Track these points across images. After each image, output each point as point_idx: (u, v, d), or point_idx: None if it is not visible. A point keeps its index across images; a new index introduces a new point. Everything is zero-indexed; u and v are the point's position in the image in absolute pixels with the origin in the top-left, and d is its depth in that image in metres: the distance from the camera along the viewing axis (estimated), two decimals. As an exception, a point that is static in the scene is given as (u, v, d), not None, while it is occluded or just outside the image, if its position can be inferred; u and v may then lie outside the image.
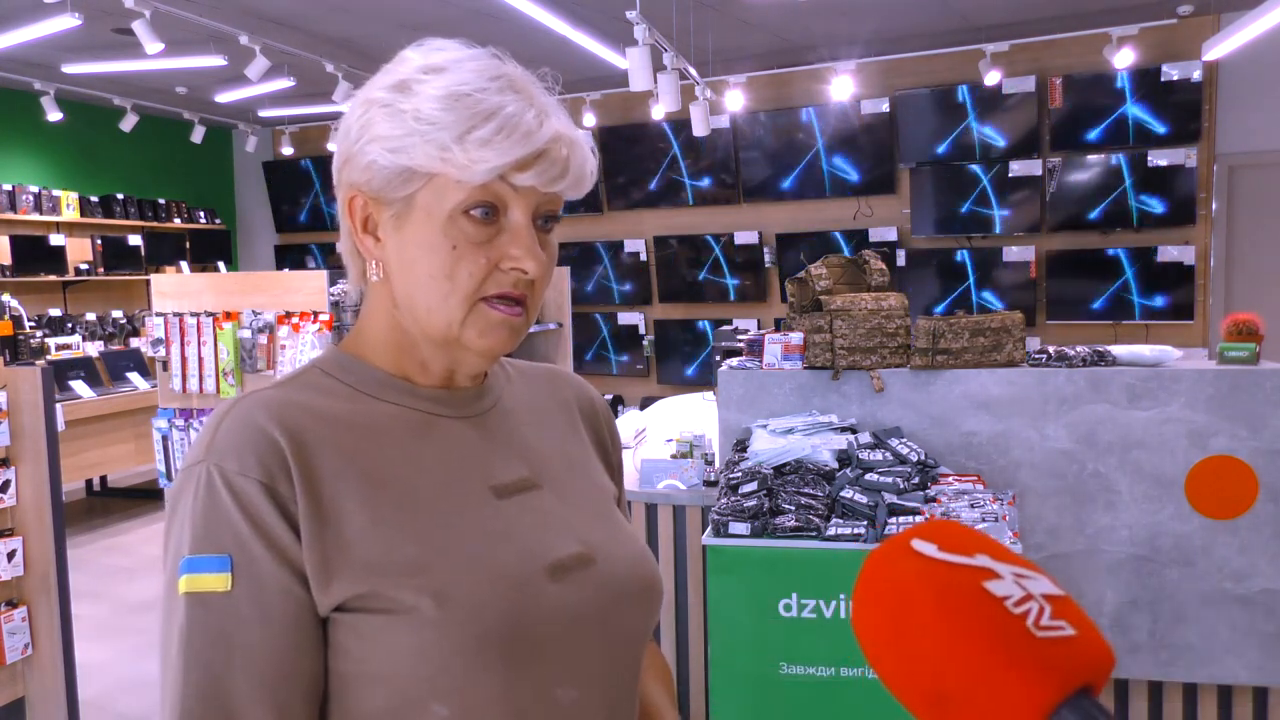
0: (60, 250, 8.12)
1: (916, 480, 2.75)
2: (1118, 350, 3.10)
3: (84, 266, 8.35)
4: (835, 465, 2.85)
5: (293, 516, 0.81)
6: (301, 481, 0.82)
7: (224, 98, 8.00)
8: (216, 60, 6.48)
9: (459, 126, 0.82)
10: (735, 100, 6.94)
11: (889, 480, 2.72)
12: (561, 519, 0.93)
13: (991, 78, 6.63)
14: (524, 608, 0.84)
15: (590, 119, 7.89)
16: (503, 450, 0.94)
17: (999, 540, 0.55)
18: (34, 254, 7.94)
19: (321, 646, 0.82)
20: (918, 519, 2.55)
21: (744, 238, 7.80)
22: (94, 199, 8.67)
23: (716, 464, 3.41)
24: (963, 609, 0.47)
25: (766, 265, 7.81)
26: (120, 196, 8.90)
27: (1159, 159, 6.53)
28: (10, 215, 7.86)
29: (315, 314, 4.32)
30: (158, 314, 4.74)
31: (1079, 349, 3.13)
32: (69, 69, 7.17)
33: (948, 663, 0.46)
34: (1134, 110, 6.58)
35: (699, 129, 6.35)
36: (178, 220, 9.45)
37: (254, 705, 0.78)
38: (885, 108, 7.25)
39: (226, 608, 0.79)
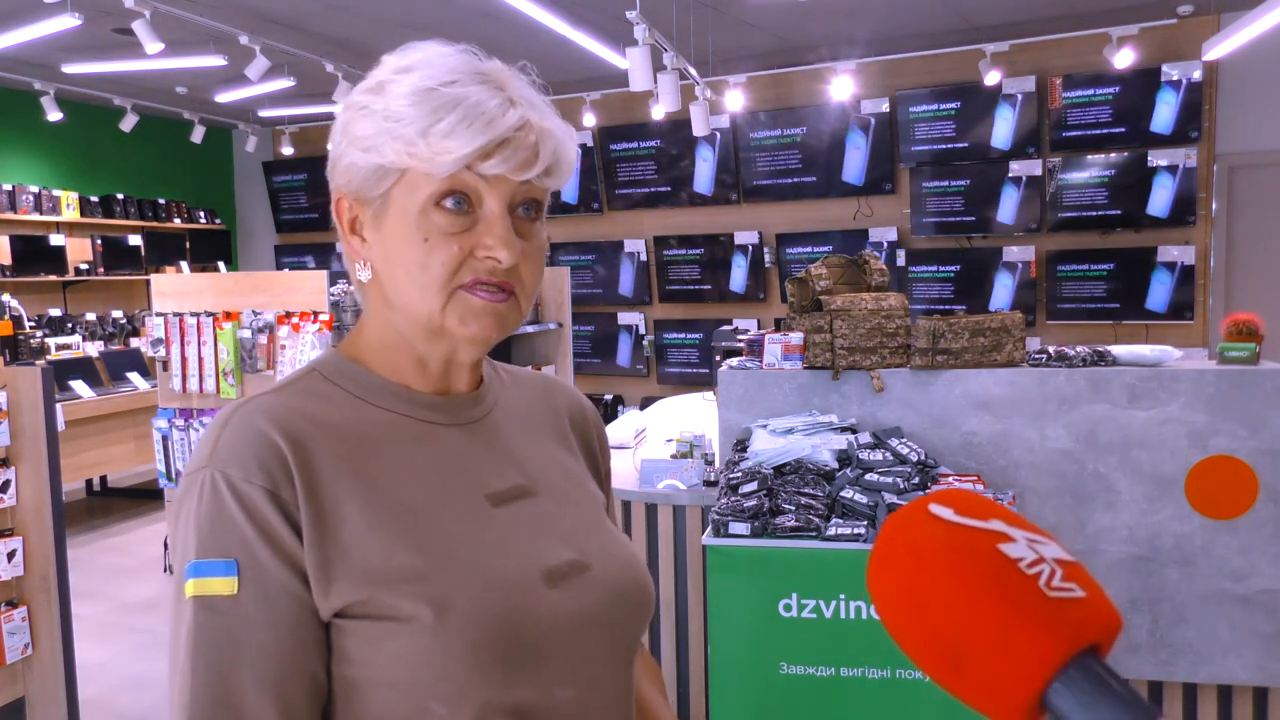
0: (60, 250, 8.12)
1: (916, 480, 2.75)
2: (1118, 350, 3.10)
3: (84, 266, 8.35)
4: (835, 465, 2.85)
5: (296, 521, 0.82)
6: (303, 487, 0.83)
7: (224, 98, 7.99)
8: (216, 60, 6.47)
9: (423, 120, 0.84)
10: (735, 100, 6.94)
11: (889, 480, 2.72)
12: (556, 526, 0.94)
13: (991, 78, 6.63)
14: (521, 614, 0.85)
15: (590, 119, 7.89)
16: (497, 458, 0.95)
17: (1013, 510, 0.57)
18: (34, 254, 7.94)
19: (325, 649, 0.83)
20: (918, 519, 2.55)
21: (744, 238, 7.80)
22: (94, 199, 8.67)
23: (716, 464, 3.41)
24: (977, 569, 0.49)
25: (766, 265, 7.82)
26: (120, 196, 8.90)
27: (1159, 159, 6.53)
28: (10, 215, 7.86)
29: (315, 314, 4.32)
30: (158, 314, 4.74)
31: (1079, 349, 3.13)
32: (69, 69, 7.17)
33: (961, 621, 0.48)
34: (1134, 110, 6.58)
35: (699, 129, 6.34)
36: (178, 220, 9.45)
37: (262, 706, 0.79)
38: (885, 108, 7.26)
39: (233, 611, 0.80)
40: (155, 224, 9.18)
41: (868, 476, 2.75)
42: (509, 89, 0.87)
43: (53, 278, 8.07)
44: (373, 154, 0.86)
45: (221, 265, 9.67)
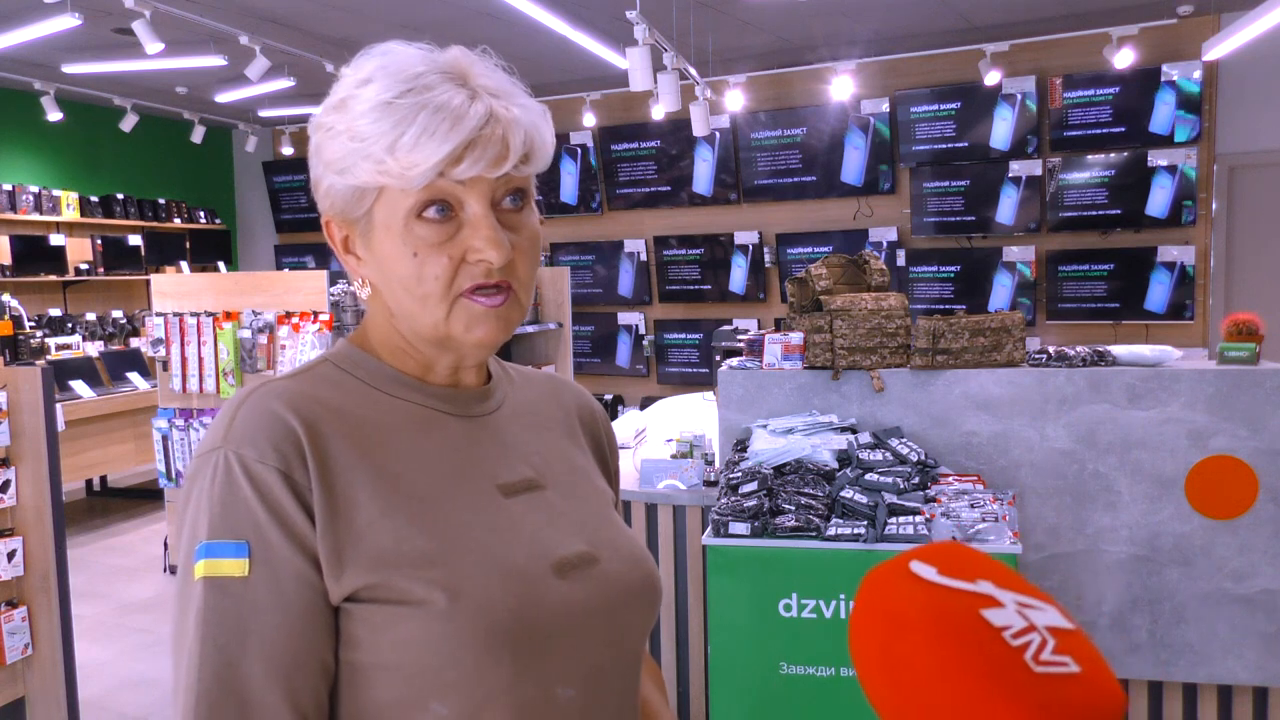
0: (60, 250, 8.12)
1: (916, 480, 2.75)
2: (1118, 350, 3.10)
3: (84, 266, 8.35)
4: (835, 465, 2.85)
5: (308, 504, 0.82)
6: (317, 470, 0.83)
7: (224, 98, 7.99)
8: (216, 60, 6.47)
9: (388, 136, 0.83)
10: (735, 100, 6.94)
11: (889, 480, 2.72)
12: (566, 518, 0.94)
13: (991, 78, 6.63)
14: (532, 604, 0.85)
15: (590, 119, 7.89)
16: (507, 451, 0.96)
17: (1009, 567, 0.50)
18: (34, 254, 7.94)
19: (334, 634, 0.83)
20: (918, 519, 2.55)
21: (744, 238, 7.80)
22: (94, 199, 8.67)
23: (716, 464, 3.41)
24: (956, 637, 0.45)
25: (766, 265, 7.82)
26: (120, 196, 8.90)
27: (1159, 159, 6.53)
28: (10, 215, 7.85)
29: (315, 314, 4.32)
30: (158, 314, 4.74)
31: (1079, 349, 3.13)
32: (69, 69, 7.16)
33: (938, 693, 0.44)
34: (1133, 110, 6.58)
35: (699, 129, 6.34)
36: (178, 220, 9.45)
37: (268, 690, 0.79)
38: (885, 108, 7.26)
39: (244, 593, 0.80)
40: (155, 224, 9.18)
41: (868, 476, 2.75)
42: (471, 80, 0.86)
43: (53, 278, 8.06)
44: (347, 176, 0.86)
45: (221, 265, 9.67)
